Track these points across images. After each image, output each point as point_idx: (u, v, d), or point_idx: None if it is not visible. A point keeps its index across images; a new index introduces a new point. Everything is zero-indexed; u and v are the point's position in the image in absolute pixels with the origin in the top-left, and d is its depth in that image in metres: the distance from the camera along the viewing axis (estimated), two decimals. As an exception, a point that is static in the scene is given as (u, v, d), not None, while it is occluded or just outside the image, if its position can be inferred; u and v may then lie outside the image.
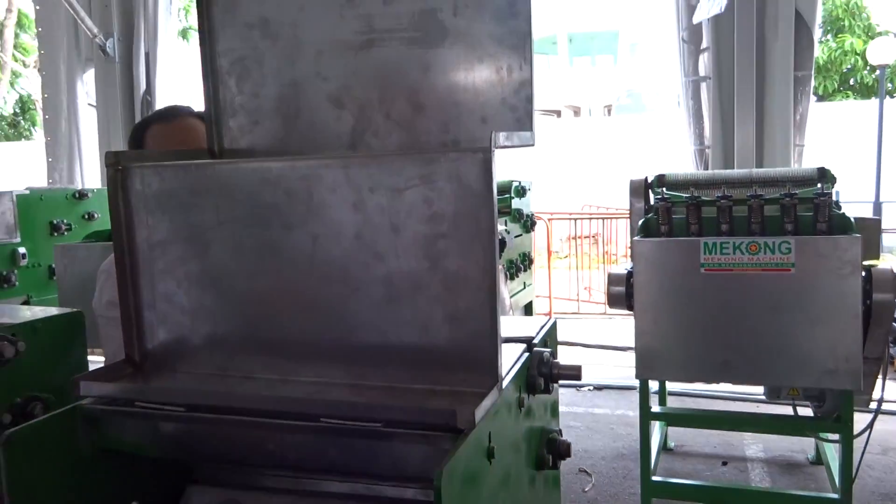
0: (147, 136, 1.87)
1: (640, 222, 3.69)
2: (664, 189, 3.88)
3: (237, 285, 1.10)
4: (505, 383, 1.04)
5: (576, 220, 10.62)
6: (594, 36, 32.67)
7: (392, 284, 1.02)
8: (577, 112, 29.71)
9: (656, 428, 4.47)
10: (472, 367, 1.00)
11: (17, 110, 24.76)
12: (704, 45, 5.89)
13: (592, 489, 4.22)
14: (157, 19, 6.80)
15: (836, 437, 3.55)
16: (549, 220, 9.36)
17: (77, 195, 5.09)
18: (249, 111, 1.30)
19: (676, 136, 6.73)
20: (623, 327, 8.12)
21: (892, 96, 19.32)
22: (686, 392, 5.57)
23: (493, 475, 0.98)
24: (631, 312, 3.47)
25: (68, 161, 7.30)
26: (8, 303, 4.57)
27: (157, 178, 1.12)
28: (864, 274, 3.13)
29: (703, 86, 6.00)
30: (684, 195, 3.62)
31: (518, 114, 1.19)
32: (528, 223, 5.21)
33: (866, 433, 3.43)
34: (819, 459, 4.34)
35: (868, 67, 19.03)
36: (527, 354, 1.23)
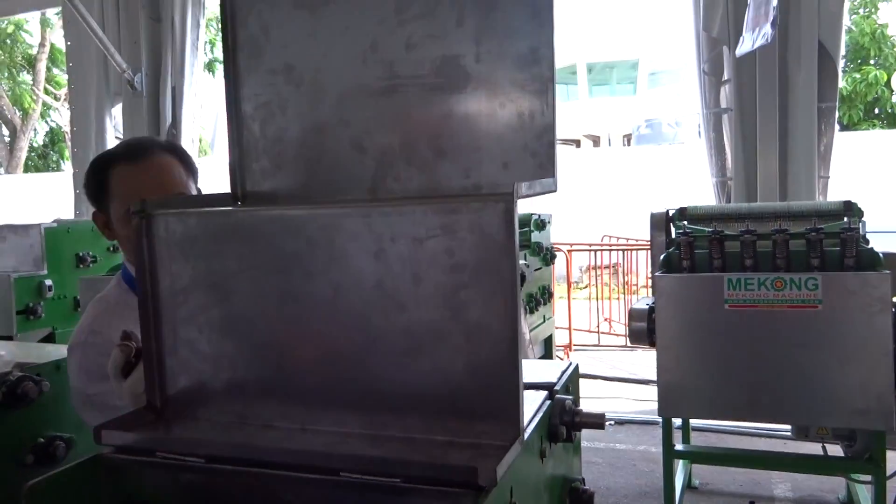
0: (111, 177, 1.65)
1: (662, 257, 3.66)
2: (686, 222, 3.86)
3: (258, 333, 1.10)
4: (526, 435, 1.03)
5: (595, 251, 10.58)
6: (613, 65, 32.86)
7: (413, 334, 1.02)
8: (596, 142, 29.78)
9: (680, 466, 4.39)
10: (494, 417, 0.98)
11: (47, 142, 25.36)
12: (726, 76, 5.88)
13: (615, 529, 4.14)
14: (184, 55, 6.95)
15: (867, 478, 3.45)
16: (568, 250, 9.33)
17: (102, 227, 5.16)
18: (272, 155, 1.31)
19: (697, 167, 6.68)
20: (644, 359, 8.03)
21: (919, 125, 19.16)
22: (711, 428, 5.47)
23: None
24: (653, 348, 3.43)
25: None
26: (34, 334, 4.62)
27: (181, 225, 1.13)
28: (894, 311, 3.07)
29: (725, 117, 5.97)
30: (706, 229, 3.59)
31: (540, 159, 1.18)
32: (547, 256, 5.20)
33: (899, 475, 3.33)
34: (850, 500, 4.22)
35: (895, 96, 18.91)
36: (548, 402, 1.21)
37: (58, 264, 4.77)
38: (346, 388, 1.05)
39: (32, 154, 24.96)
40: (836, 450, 3.78)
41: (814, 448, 4.14)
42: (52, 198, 14.31)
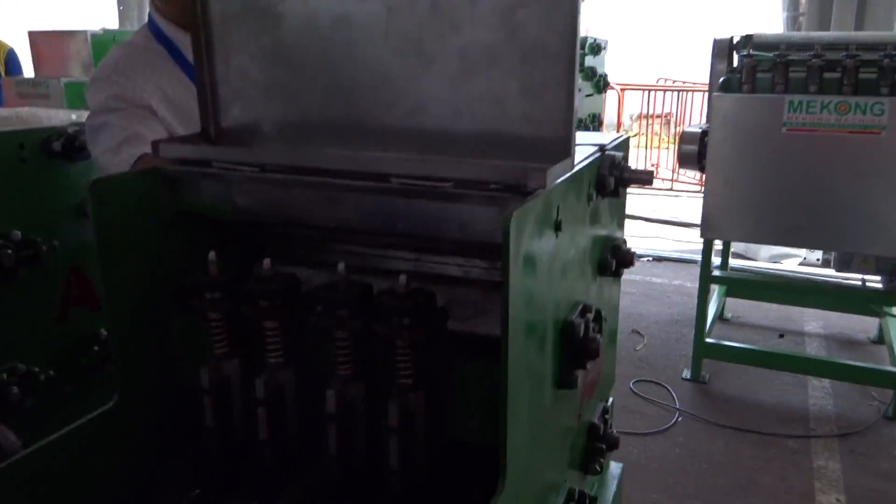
0: None
1: (721, 80, 3.50)
2: (750, 50, 3.64)
3: (310, 58, 1.09)
4: (575, 168, 1.02)
5: (649, 91, 10.17)
6: None
7: (467, 56, 0.99)
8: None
9: (714, 297, 4.44)
10: (545, 144, 0.98)
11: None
12: None
13: (644, 348, 4.29)
14: None
15: (902, 312, 3.47)
16: (621, 90, 9.00)
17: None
18: None
19: (767, 2, 6.22)
20: (687, 205, 7.96)
21: None
22: (747, 268, 5.48)
23: (558, 255, 0.99)
24: (701, 171, 3.36)
25: (138, 9, 7.35)
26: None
27: (231, -53, 1.09)
28: (961, 139, 2.93)
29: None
30: (771, 54, 3.40)
31: None
32: (600, 83, 5.01)
33: (936, 308, 3.33)
34: (881, 339, 4.27)
35: None
36: (599, 154, 1.20)
37: (106, 70, 4.77)
38: (399, 113, 1.05)
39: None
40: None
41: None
42: (95, 14, 14.09)
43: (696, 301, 3.78)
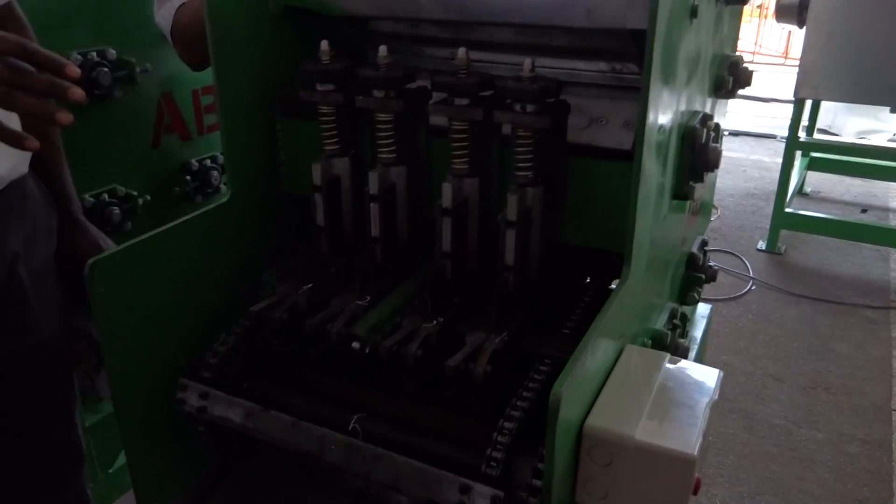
0: None
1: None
2: None
3: None
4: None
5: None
6: None
7: None
8: None
9: (796, 170, 4.23)
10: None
11: None
12: None
13: (718, 220, 4.18)
14: None
15: None
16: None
17: None
18: None
19: None
20: (768, 80, 7.52)
21: None
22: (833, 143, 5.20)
23: (690, 49, 0.92)
24: (800, 27, 3.13)
25: None
26: None
27: None
28: None
29: None
30: None
31: None
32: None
33: None
34: (972, 215, 4.05)
35: None
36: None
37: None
38: None
39: None
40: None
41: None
42: None
43: (773, 176, 3.64)
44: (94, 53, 1.50)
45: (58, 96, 0.79)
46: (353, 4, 1.02)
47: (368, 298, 0.99)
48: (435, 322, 0.94)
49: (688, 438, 0.72)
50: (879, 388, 2.67)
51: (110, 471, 1.83)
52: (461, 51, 0.89)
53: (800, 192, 4.50)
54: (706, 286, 1.41)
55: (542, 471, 0.77)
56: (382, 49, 0.93)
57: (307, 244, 1.08)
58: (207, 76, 1.16)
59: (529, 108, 0.86)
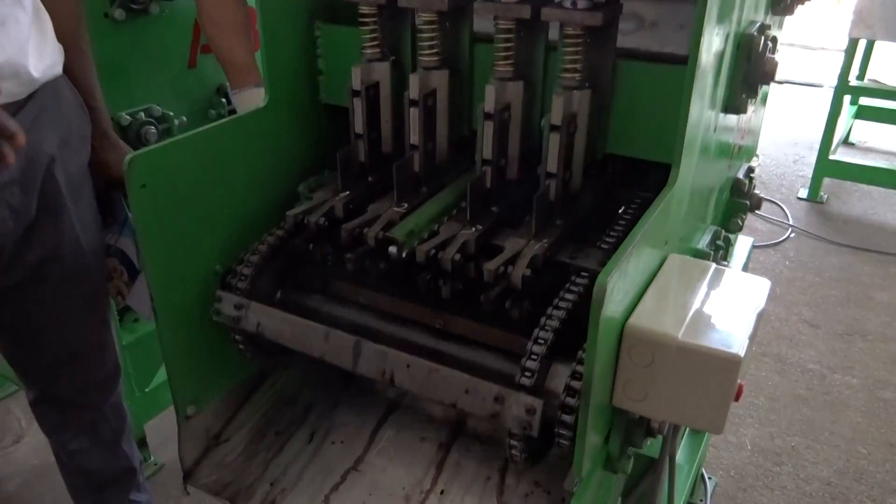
0: None
1: None
2: None
3: None
4: None
5: None
6: None
7: None
8: None
9: (843, 117, 4.08)
10: None
11: None
12: None
13: (758, 167, 4.07)
14: None
15: None
16: None
17: None
18: None
19: None
20: (810, 28, 7.23)
21: None
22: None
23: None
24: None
25: None
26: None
27: None
28: None
29: None
30: None
31: None
32: None
33: None
34: None
35: None
36: None
37: None
38: None
39: None
40: None
41: None
42: None
43: (819, 125, 3.51)
44: (131, -34, 1.48)
45: None
46: None
47: (406, 206, 0.98)
48: (474, 229, 0.93)
49: (734, 340, 0.70)
50: (919, 338, 2.61)
51: (147, 389, 1.87)
52: (508, -57, 0.85)
53: (845, 141, 4.35)
54: (744, 231, 1.37)
55: (580, 373, 0.76)
56: (427, -57, 0.90)
57: (345, 153, 1.06)
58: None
59: (581, 3, 0.82)
